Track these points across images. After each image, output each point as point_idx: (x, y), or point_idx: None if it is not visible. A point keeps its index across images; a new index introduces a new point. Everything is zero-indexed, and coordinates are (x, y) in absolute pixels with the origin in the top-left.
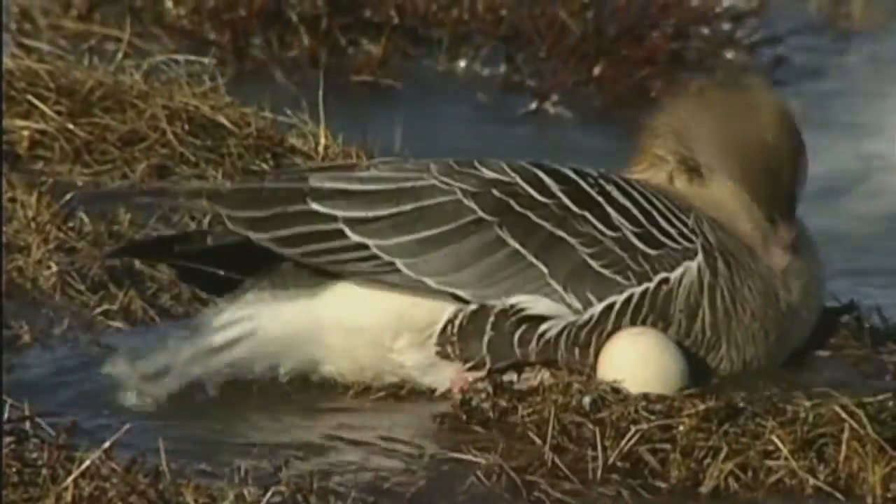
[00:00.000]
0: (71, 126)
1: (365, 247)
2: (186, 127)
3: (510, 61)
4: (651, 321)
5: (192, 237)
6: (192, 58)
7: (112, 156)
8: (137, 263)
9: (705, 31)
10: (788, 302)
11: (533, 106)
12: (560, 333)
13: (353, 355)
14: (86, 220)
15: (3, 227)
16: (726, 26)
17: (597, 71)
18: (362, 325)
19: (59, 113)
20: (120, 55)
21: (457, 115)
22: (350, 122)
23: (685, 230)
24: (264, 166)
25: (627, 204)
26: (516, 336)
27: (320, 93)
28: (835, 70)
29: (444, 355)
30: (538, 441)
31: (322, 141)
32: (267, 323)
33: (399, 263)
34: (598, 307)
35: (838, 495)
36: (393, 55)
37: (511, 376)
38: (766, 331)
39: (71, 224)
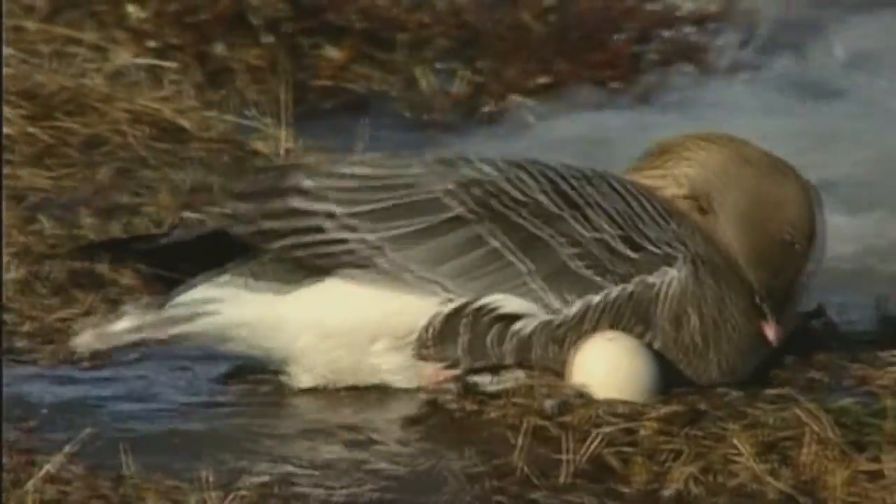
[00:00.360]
0: (33, 129)
1: (345, 241)
2: (149, 130)
3: (471, 64)
4: (631, 324)
5: (153, 238)
6: (155, 62)
7: (74, 159)
8: (100, 268)
9: (667, 34)
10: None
11: (494, 108)
12: (534, 332)
13: (328, 357)
14: (48, 224)
15: None
16: (688, 29)
17: (558, 74)
18: (339, 330)
19: (21, 116)
20: (82, 59)
21: (419, 117)
22: (313, 126)
23: (669, 236)
24: None
25: (612, 206)
26: (491, 336)
27: (283, 96)
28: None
29: (421, 357)
30: (508, 445)
31: (285, 144)
32: (235, 307)
33: (379, 258)
34: (575, 306)
35: (801, 499)
36: (356, 58)
37: (485, 378)
38: (750, 344)
39: (33, 228)
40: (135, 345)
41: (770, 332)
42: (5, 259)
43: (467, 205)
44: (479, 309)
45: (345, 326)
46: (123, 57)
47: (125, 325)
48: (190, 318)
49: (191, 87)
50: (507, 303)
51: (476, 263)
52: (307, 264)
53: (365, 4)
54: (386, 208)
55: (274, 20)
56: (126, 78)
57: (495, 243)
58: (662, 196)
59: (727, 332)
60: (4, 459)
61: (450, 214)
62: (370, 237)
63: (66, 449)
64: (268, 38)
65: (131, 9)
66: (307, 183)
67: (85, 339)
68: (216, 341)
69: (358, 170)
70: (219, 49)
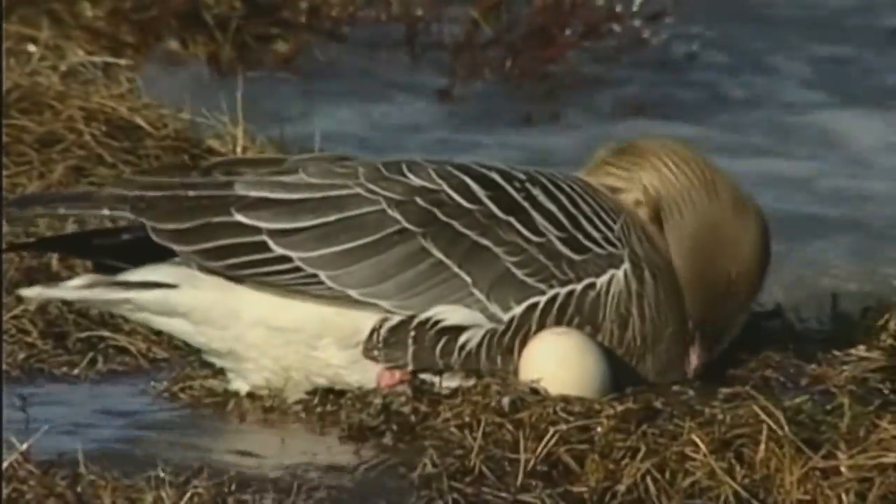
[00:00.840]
0: None
1: (288, 259)
2: (104, 128)
3: (417, 60)
4: (577, 325)
5: (109, 233)
6: (109, 59)
7: (29, 157)
8: (54, 265)
9: (617, 28)
10: None
11: (442, 106)
12: (481, 343)
13: (277, 353)
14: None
15: None
16: (637, 23)
17: (507, 70)
18: (285, 326)
19: None
20: (37, 57)
21: (372, 114)
22: (267, 122)
23: (611, 236)
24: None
25: (553, 208)
26: (438, 347)
27: (238, 95)
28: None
29: (370, 357)
30: (463, 445)
31: (240, 143)
32: (190, 287)
33: (322, 275)
34: (520, 308)
35: (756, 497)
36: (309, 55)
37: (434, 378)
38: (680, 356)
39: None
40: (82, 302)
41: (692, 358)
42: None
43: (411, 216)
44: (424, 322)
45: (294, 323)
46: (78, 54)
47: (77, 282)
48: (142, 286)
49: (145, 85)
50: (451, 315)
51: (419, 278)
52: (252, 281)
53: (318, 2)
54: (328, 223)
55: (227, 18)
56: (81, 75)
57: (438, 255)
58: (612, 197)
59: (664, 336)
60: None
61: (394, 228)
62: (313, 255)
63: (22, 447)
64: (221, 36)
65: (86, 6)
66: (251, 196)
67: (34, 292)
68: (162, 316)
69: (301, 180)
70: (172, 46)
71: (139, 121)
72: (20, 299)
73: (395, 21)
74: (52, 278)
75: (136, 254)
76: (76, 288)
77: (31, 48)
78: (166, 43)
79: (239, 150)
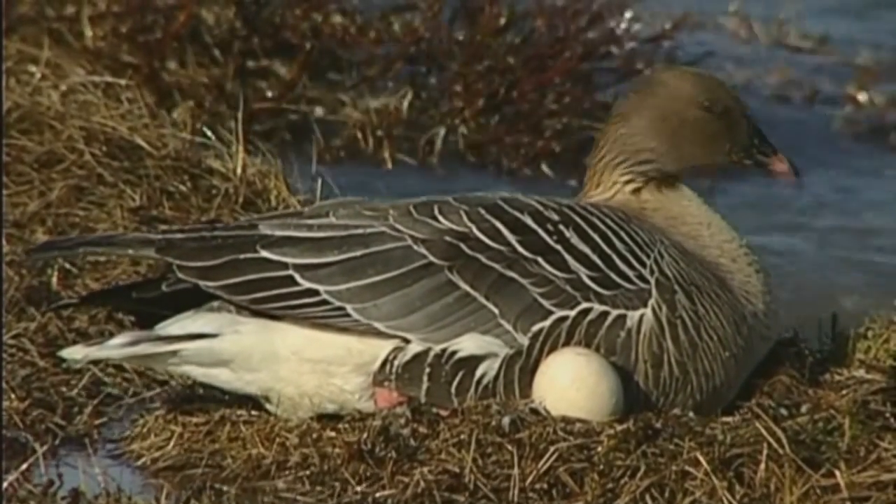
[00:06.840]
0: None
1: (315, 292)
2: (104, 148)
3: (416, 84)
4: (602, 355)
5: (149, 285)
6: (109, 79)
7: (29, 177)
8: (54, 284)
9: (616, 51)
10: (755, 325)
11: (441, 131)
12: (498, 373)
13: (298, 381)
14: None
15: None
16: (635, 44)
17: (506, 92)
18: (315, 357)
19: None
20: (37, 76)
21: (374, 136)
22: (266, 144)
23: (643, 271)
24: (182, 187)
25: (587, 249)
26: (454, 384)
27: (239, 115)
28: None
29: (378, 385)
30: (461, 464)
31: (240, 162)
32: (231, 334)
33: (349, 308)
34: (548, 321)
35: None
36: (311, 77)
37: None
38: (734, 355)
39: None
40: (128, 359)
41: (780, 166)
42: None
43: (437, 251)
44: (440, 355)
45: (321, 354)
46: (79, 74)
47: (120, 339)
48: (185, 339)
49: (145, 105)
50: (469, 344)
51: (446, 310)
52: (279, 315)
53: (318, 23)
54: (355, 258)
55: (228, 40)
56: (81, 96)
57: (465, 287)
58: (631, 210)
59: (708, 350)
60: None
61: (420, 263)
62: (340, 289)
63: (22, 467)
64: (222, 57)
65: (87, 27)
66: (276, 235)
67: (79, 353)
68: (205, 367)
69: (328, 221)
70: (173, 67)
71: (139, 140)
72: (20, 317)
73: (397, 42)
74: (52, 298)
75: (175, 303)
76: (120, 346)
77: (33, 68)
78: (168, 65)
79: (239, 169)
